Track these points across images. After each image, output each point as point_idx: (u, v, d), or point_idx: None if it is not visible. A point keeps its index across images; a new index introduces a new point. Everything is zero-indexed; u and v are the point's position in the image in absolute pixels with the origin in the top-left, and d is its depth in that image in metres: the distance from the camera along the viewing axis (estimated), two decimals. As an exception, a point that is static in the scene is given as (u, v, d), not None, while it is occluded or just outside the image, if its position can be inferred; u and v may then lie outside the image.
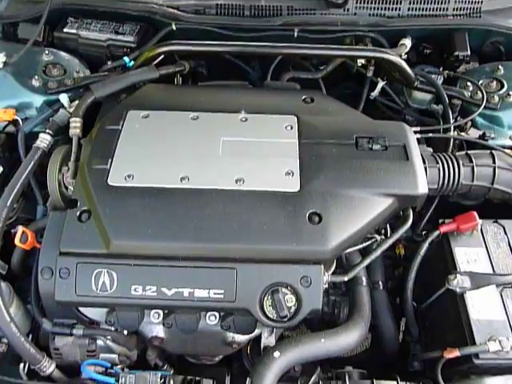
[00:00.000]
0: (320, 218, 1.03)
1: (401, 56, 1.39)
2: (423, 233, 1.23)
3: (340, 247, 1.03)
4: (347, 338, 1.04)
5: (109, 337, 1.12)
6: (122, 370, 1.12)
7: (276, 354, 0.96)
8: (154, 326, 1.13)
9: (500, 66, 1.43)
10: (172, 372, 1.31)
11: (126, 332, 1.13)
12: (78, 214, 1.05)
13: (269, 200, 1.05)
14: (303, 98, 1.28)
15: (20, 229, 1.10)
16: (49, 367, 1.06)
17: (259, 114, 1.22)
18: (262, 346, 1.19)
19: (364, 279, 1.19)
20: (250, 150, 1.14)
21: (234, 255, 1.01)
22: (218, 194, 1.06)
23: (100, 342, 1.13)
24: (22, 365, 1.11)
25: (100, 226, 1.02)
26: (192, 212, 1.04)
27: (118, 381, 1.01)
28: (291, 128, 1.19)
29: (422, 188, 1.09)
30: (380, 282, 1.26)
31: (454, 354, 1.00)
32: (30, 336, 1.19)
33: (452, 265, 1.13)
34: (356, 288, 1.18)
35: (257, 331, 1.11)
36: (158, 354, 1.25)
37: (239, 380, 1.25)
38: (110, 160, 1.11)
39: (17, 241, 1.10)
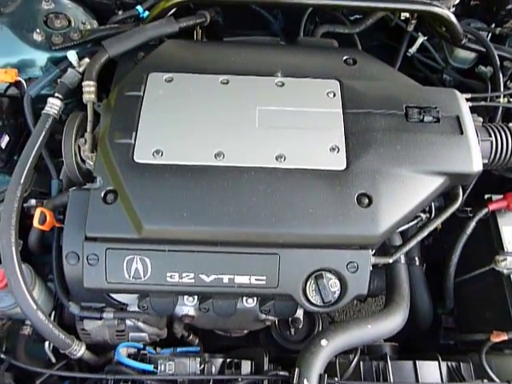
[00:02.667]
0: (370, 200, 0.95)
1: (449, 9, 1.23)
2: (468, 209, 1.16)
3: (390, 231, 0.96)
4: (392, 323, 1.01)
5: (140, 319, 1.07)
6: (155, 349, 1.09)
7: (323, 342, 0.92)
8: (183, 307, 1.08)
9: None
10: (197, 341, 1.31)
11: (156, 313, 1.09)
12: (102, 194, 0.95)
13: (313, 179, 0.97)
14: (344, 58, 1.14)
15: (38, 210, 1.00)
16: (79, 350, 1.03)
17: (297, 78, 1.09)
18: (289, 319, 1.16)
19: (402, 257, 1.15)
20: (289, 122, 1.03)
21: (277, 240, 0.94)
22: (257, 172, 0.97)
23: (130, 322, 1.09)
24: (46, 343, 1.08)
25: (129, 209, 0.93)
26: (230, 193, 0.95)
27: (156, 368, 0.98)
28: (334, 95, 1.07)
29: (477, 165, 1.01)
30: (416, 258, 1.24)
31: (501, 337, 0.99)
32: (53, 313, 1.14)
33: (498, 244, 1.09)
34: (395, 266, 1.14)
35: None
36: (184, 326, 1.22)
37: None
38: (134, 133, 0.99)
39: (35, 223, 1.00)
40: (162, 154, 0.98)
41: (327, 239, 0.94)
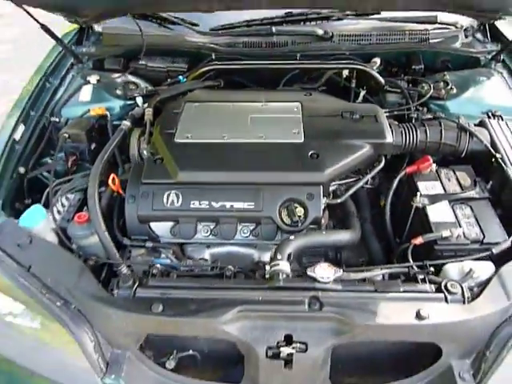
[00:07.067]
0: (318, 156, 1.52)
1: (372, 68, 1.96)
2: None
3: (333, 174, 1.50)
4: (341, 235, 1.48)
5: (170, 250, 1.56)
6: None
7: (291, 237, 1.39)
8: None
9: (446, 73, 1.99)
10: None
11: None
12: (153, 159, 1.56)
13: (282, 147, 1.56)
14: (304, 93, 1.85)
15: (111, 175, 1.60)
16: (124, 268, 1.47)
17: (274, 103, 1.78)
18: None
19: (355, 212, 1.64)
20: (268, 122, 1.68)
21: (260, 180, 1.49)
22: (247, 145, 1.57)
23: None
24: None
25: (170, 165, 1.52)
26: (231, 155, 1.54)
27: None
28: (297, 109, 1.73)
29: (389, 138, 1.59)
30: (367, 218, 1.70)
31: (419, 240, 1.42)
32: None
33: (415, 192, 1.57)
34: (349, 217, 1.62)
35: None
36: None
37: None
38: (175, 127, 1.65)
39: (110, 182, 1.59)
40: (191, 137, 1.61)
41: (292, 179, 1.49)
